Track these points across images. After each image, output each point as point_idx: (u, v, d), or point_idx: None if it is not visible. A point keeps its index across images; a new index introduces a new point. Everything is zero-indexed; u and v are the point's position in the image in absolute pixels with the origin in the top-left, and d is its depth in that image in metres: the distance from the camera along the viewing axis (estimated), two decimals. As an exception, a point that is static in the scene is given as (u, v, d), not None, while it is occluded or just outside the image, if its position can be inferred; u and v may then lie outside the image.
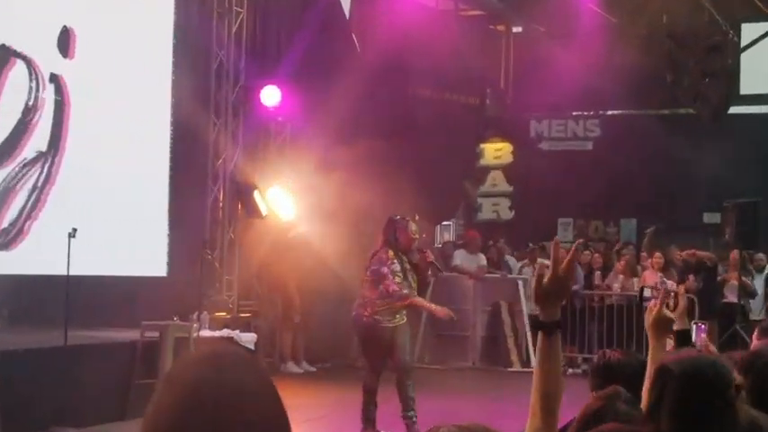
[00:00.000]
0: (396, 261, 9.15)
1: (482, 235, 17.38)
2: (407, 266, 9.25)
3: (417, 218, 9.92)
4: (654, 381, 2.97)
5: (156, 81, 13.20)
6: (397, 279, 9.08)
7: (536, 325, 2.85)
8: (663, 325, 3.74)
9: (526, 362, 15.77)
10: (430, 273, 9.64)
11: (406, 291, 9.11)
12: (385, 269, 9.10)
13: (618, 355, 4.25)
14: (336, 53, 15.52)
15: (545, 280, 2.81)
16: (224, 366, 1.70)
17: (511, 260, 17.11)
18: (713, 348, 4.47)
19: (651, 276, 15.10)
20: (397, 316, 9.18)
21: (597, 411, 3.43)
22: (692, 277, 14.85)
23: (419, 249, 9.59)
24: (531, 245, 16.99)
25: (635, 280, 15.42)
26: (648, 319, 3.76)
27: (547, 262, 2.97)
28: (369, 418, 9.19)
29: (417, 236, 9.43)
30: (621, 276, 15.71)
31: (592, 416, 3.41)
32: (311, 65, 15.12)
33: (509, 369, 15.55)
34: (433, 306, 9.67)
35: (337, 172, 14.39)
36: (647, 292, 4.06)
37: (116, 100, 12.36)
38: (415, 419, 9.10)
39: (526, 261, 16.72)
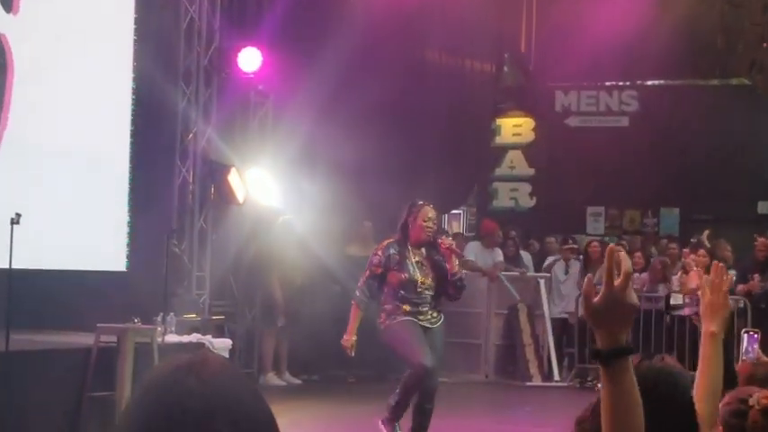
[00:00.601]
0: (380, 252, 9.33)
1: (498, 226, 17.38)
2: (417, 260, 9.30)
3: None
4: None
5: (116, 42, 13.16)
6: (368, 273, 9.29)
7: (594, 354, 2.60)
8: (717, 311, 3.75)
9: (548, 375, 15.82)
10: (458, 264, 9.59)
11: (363, 298, 9.30)
12: (370, 257, 9.43)
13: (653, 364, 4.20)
14: (328, 10, 15.51)
15: (595, 299, 2.56)
16: (209, 376, 1.72)
17: (525, 256, 17.10)
18: (767, 361, 4.46)
19: (696, 277, 15.11)
20: (421, 317, 9.21)
21: None
22: (756, 277, 14.83)
23: (433, 240, 9.59)
24: (570, 242, 16.97)
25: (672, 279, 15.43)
26: (702, 302, 3.77)
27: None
28: (393, 416, 9.31)
29: (430, 223, 9.44)
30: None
31: None
32: (298, 24, 15.11)
33: (528, 383, 15.58)
34: (351, 328, 9.44)
35: (328, 150, 14.39)
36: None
37: (68, 64, 12.33)
38: None
39: (558, 257, 16.71)
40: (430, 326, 9.27)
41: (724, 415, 3.55)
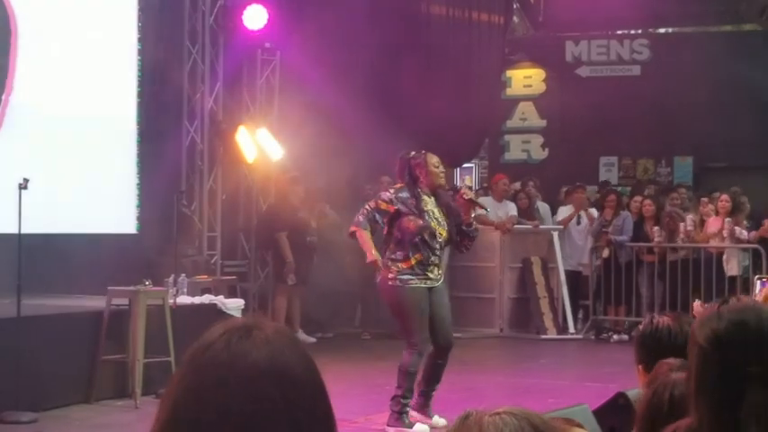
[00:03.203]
0: (391, 191, 9.08)
1: (511, 178, 17.32)
2: (429, 208, 9.03)
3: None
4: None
5: (120, 3, 13.12)
6: (372, 205, 8.97)
7: None
8: None
9: (563, 328, 15.82)
10: (473, 216, 9.33)
11: (364, 222, 8.93)
12: (378, 194, 9.07)
13: (668, 320, 4.16)
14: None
15: None
16: (261, 340, 1.77)
17: (542, 207, 17.05)
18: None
19: (716, 223, 15.07)
20: (429, 270, 9.01)
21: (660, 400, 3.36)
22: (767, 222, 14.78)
23: (452, 188, 9.41)
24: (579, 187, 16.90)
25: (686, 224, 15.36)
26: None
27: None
28: (398, 410, 8.94)
29: (441, 167, 9.29)
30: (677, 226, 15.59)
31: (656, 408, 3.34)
32: (303, -21, 15.03)
33: (543, 336, 15.59)
34: (369, 248, 9.02)
35: (337, 107, 14.35)
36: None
37: (72, 25, 12.30)
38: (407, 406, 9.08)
39: (570, 207, 16.63)
40: (436, 284, 9.04)
41: None
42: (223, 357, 1.73)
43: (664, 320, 4.14)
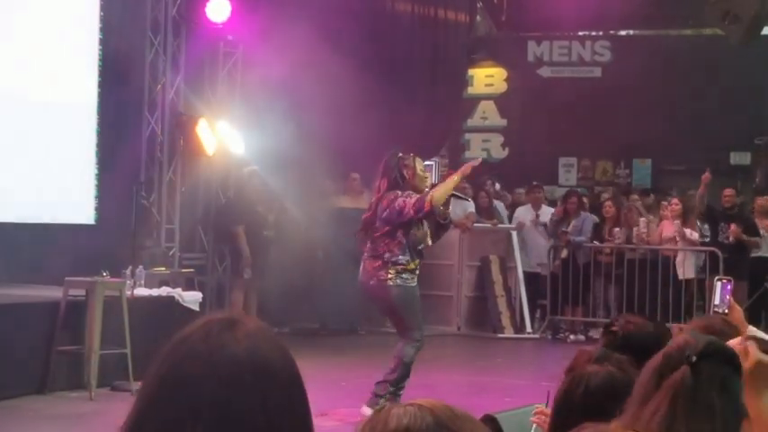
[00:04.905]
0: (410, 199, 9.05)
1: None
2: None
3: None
4: None
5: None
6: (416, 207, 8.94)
7: None
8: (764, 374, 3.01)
9: (520, 327, 15.85)
10: (449, 210, 9.47)
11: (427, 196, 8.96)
12: (400, 201, 8.94)
13: (639, 323, 4.10)
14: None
15: None
16: (243, 333, 1.77)
17: (499, 206, 17.08)
18: (739, 310, 4.45)
19: (669, 226, 15.16)
20: (416, 273, 9.20)
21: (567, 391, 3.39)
22: (733, 226, 14.84)
23: (433, 186, 9.54)
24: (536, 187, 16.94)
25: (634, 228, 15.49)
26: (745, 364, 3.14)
27: None
28: (382, 394, 9.00)
29: (427, 173, 9.44)
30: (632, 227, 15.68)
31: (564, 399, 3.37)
32: (267, -27, 14.97)
33: (499, 335, 15.62)
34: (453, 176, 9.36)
35: (299, 102, 14.31)
36: None
37: (34, 13, 12.21)
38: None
39: (528, 206, 16.63)
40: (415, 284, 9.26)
41: None
42: (202, 349, 1.73)
43: (634, 323, 4.10)
